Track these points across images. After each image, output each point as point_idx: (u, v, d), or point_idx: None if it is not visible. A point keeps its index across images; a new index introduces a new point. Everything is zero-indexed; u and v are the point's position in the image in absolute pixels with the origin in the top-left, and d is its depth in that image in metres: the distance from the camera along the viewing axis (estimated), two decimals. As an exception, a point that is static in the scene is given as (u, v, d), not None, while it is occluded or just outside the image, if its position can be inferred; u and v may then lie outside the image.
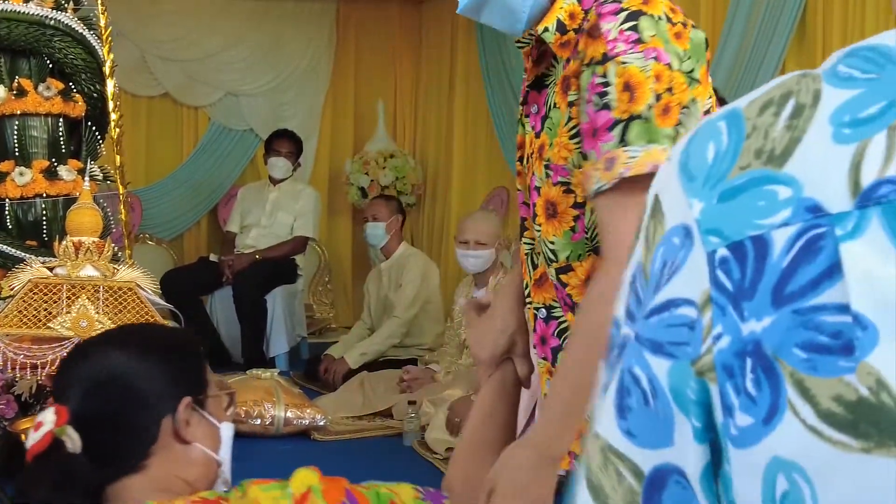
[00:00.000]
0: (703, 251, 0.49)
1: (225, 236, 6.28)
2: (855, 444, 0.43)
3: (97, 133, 3.83)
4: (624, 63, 1.34)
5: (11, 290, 3.19)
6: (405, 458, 4.04)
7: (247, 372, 4.66)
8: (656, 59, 1.35)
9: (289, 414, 4.35)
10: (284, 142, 6.07)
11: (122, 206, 3.75)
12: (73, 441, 1.32)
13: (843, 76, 0.49)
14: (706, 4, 4.77)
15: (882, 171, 0.44)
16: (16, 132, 3.63)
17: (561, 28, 1.45)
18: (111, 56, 3.71)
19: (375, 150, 6.93)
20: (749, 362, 0.46)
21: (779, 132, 0.49)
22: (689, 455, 0.49)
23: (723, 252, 0.48)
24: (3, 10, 3.55)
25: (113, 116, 3.74)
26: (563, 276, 1.50)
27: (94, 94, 3.75)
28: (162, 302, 3.46)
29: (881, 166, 0.44)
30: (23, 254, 3.49)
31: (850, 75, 0.49)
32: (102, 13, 3.74)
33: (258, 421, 4.29)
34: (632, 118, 1.33)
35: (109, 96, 3.72)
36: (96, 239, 3.23)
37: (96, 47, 3.73)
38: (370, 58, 7.39)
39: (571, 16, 1.44)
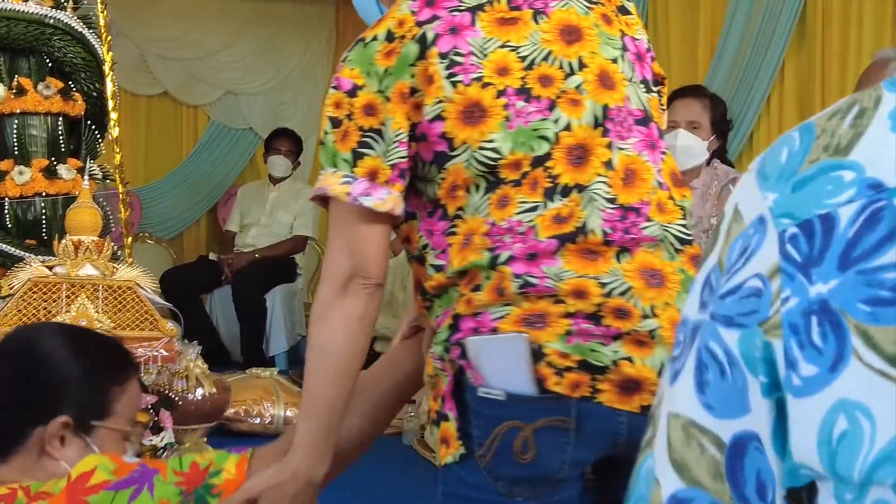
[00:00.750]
0: (775, 232, 0.56)
1: (224, 235, 6.28)
2: None
3: (97, 132, 3.83)
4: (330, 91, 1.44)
5: (11, 288, 3.19)
6: (404, 457, 4.04)
7: (246, 371, 4.66)
8: (336, 87, 1.41)
9: (288, 413, 4.36)
10: (284, 140, 6.07)
11: (121, 205, 3.75)
12: None
13: None
14: (705, 5, 4.76)
15: None
16: (15, 131, 3.63)
17: None
18: (110, 55, 3.71)
19: (375, 149, 6.92)
20: (815, 319, 0.53)
21: (844, 130, 0.56)
22: (762, 416, 0.55)
23: (792, 230, 0.55)
24: (2, 8, 3.55)
25: (112, 115, 3.73)
26: None
27: (94, 93, 3.75)
28: (161, 301, 3.46)
29: None
30: (22, 253, 3.48)
31: None
32: (102, 12, 3.74)
33: (258, 420, 4.29)
34: (321, 143, 1.43)
35: (109, 95, 3.72)
36: (96, 238, 3.23)
37: (96, 46, 3.72)
38: (370, 57, 7.38)
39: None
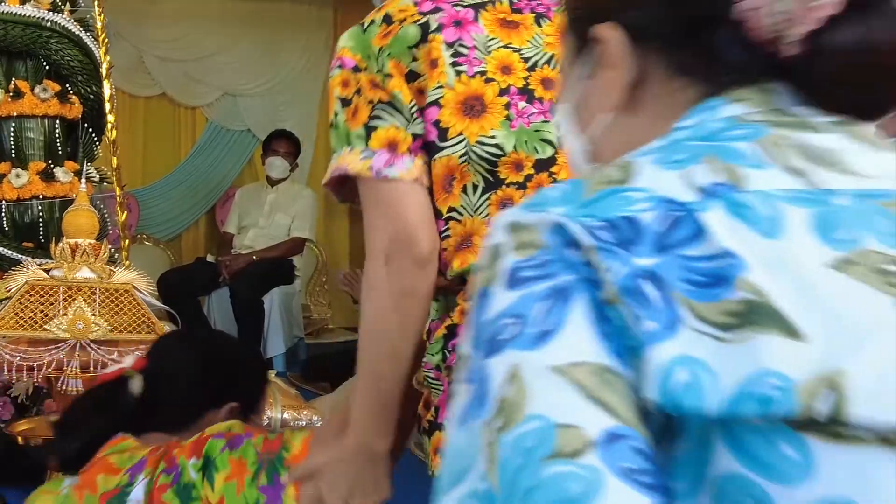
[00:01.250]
0: (579, 227, 0.61)
1: (222, 237, 6.27)
2: (734, 336, 0.56)
3: (94, 134, 3.83)
4: (331, 76, 1.39)
5: (8, 291, 3.18)
6: (402, 460, 4.03)
7: (244, 373, 4.65)
8: (341, 66, 1.37)
9: (286, 415, 4.35)
10: (283, 142, 6.07)
11: (118, 208, 3.74)
12: (135, 385, 1.63)
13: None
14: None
15: (713, 180, 0.62)
16: (12, 134, 3.63)
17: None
18: (108, 58, 3.71)
19: (373, 150, 6.92)
20: (646, 284, 0.58)
21: (614, 172, 0.65)
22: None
23: (597, 223, 0.61)
24: (-1, 11, 3.55)
25: (110, 118, 3.73)
26: None
27: (91, 96, 3.75)
28: (158, 303, 3.45)
29: (711, 178, 0.62)
30: (19, 255, 3.48)
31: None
32: (99, 14, 3.74)
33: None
34: (331, 126, 1.39)
35: (106, 98, 3.71)
36: (93, 241, 3.22)
37: (93, 49, 3.72)
38: (368, 58, 7.38)
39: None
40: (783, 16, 0.66)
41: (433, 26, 1.34)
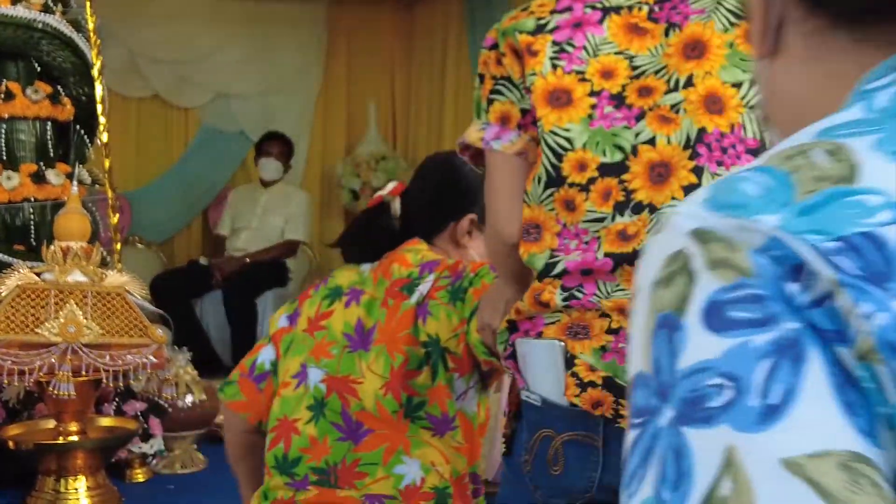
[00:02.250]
0: (809, 248, 0.47)
1: (215, 239, 6.25)
2: None
3: (86, 136, 3.80)
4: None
5: (-1, 295, 3.16)
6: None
7: (237, 376, 4.62)
8: (484, 46, 1.46)
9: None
10: (275, 143, 6.05)
11: (111, 211, 3.72)
12: (394, 208, 1.98)
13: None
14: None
15: None
16: (3, 136, 3.60)
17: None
18: (100, 59, 3.69)
19: (367, 152, 6.91)
20: None
21: (828, 163, 0.50)
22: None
23: (832, 243, 0.47)
24: (-10, 12, 3.52)
25: (101, 120, 3.71)
26: None
27: (83, 98, 3.72)
28: (151, 307, 3.43)
29: None
30: (10, 258, 3.46)
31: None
32: (91, 16, 3.71)
33: (248, 426, 4.27)
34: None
35: (98, 100, 3.69)
36: (84, 244, 3.20)
37: (85, 50, 3.69)
38: (362, 59, 7.36)
39: None
40: None
41: (550, 26, 1.40)
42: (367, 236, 1.98)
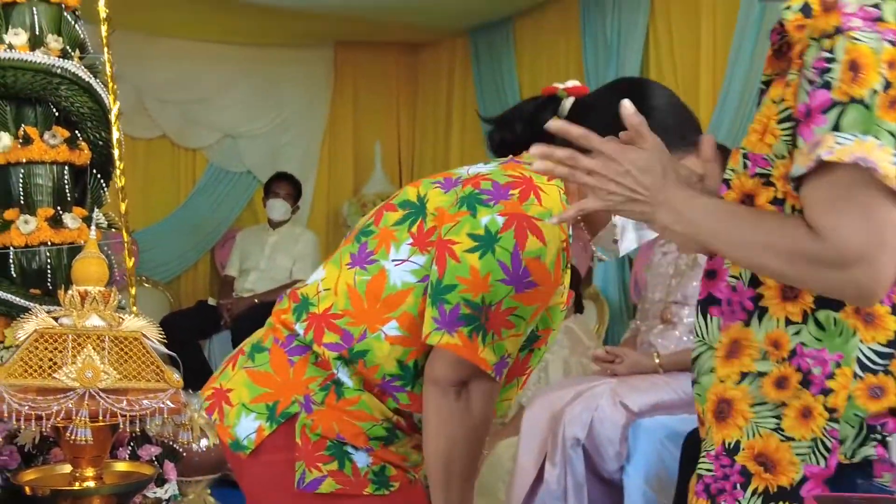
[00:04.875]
0: None
1: (223, 280, 6.25)
2: None
3: (102, 180, 3.82)
4: (856, 39, 1.18)
5: (16, 339, 3.16)
6: None
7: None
8: (893, 43, 1.19)
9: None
10: (283, 184, 6.08)
11: (126, 255, 3.73)
12: (563, 108, 1.82)
13: None
14: (706, 50, 4.80)
15: None
16: (21, 180, 3.61)
17: (806, 10, 1.25)
18: (117, 104, 3.71)
19: (373, 191, 6.94)
20: None
21: None
22: None
23: None
24: (9, 58, 3.54)
25: (118, 164, 3.72)
26: (756, 289, 1.36)
27: (100, 142, 3.74)
28: (163, 349, 3.44)
29: None
30: (27, 302, 3.46)
31: None
32: (109, 61, 3.74)
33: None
34: (851, 101, 1.17)
35: (115, 144, 3.71)
36: (102, 288, 3.20)
37: (102, 95, 3.72)
38: (367, 99, 7.41)
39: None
40: None
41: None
42: (519, 124, 1.85)
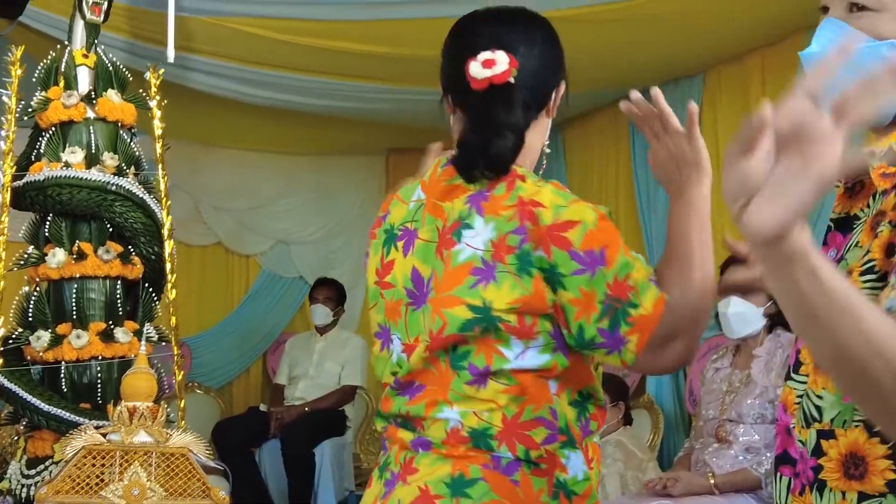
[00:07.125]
0: None
1: (274, 388, 6.24)
2: None
3: (153, 293, 3.86)
4: None
5: (65, 455, 3.17)
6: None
7: (295, 531, 4.56)
8: None
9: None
10: (323, 289, 6.08)
11: (175, 368, 3.75)
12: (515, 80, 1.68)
13: None
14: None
15: None
16: (74, 294, 3.67)
17: (892, 158, 1.15)
18: (170, 218, 3.77)
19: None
20: None
21: None
22: None
23: None
24: (66, 176, 3.64)
25: (169, 277, 3.77)
26: (822, 443, 1.25)
27: (153, 256, 3.80)
28: (212, 463, 3.42)
29: None
30: (76, 417, 3.49)
31: None
32: (163, 177, 3.82)
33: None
34: None
35: (167, 258, 3.76)
36: (150, 404, 3.22)
37: (155, 210, 3.79)
38: (418, 205, 7.46)
39: None
40: None
41: None
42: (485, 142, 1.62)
